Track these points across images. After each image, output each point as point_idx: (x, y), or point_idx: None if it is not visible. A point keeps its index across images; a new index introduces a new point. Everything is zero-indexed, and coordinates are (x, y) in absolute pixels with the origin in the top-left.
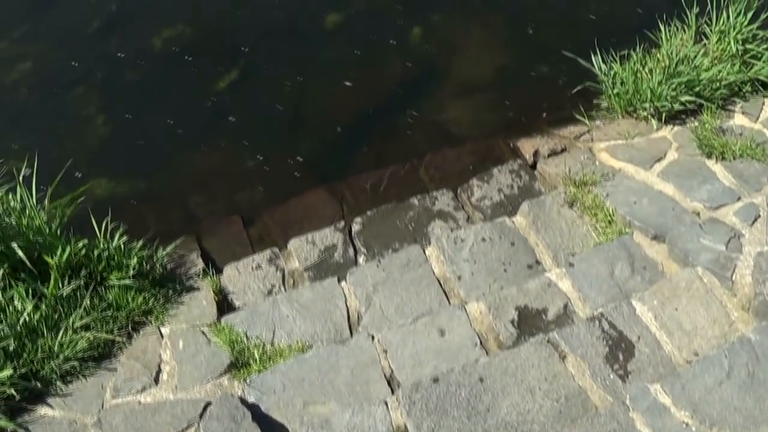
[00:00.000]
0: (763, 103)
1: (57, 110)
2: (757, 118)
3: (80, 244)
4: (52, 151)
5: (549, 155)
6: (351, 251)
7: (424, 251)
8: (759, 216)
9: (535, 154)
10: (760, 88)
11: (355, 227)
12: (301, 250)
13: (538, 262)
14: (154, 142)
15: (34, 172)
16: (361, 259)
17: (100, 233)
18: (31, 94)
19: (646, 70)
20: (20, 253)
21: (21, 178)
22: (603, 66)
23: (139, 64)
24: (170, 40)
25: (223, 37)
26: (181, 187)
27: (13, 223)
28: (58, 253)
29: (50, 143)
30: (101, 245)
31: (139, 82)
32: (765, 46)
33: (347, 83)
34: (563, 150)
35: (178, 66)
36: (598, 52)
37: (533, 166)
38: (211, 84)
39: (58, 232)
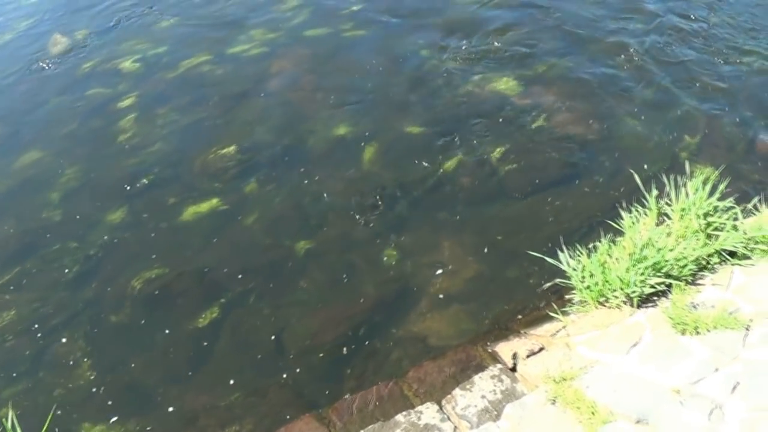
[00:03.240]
0: (732, 272)
1: (42, 357)
2: (728, 287)
3: None
4: (39, 398)
5: (528, 356)
6: None
7: None
8: (738, 383)
9: (514, 356)
10: (728, 257)
11: None
12: None
13: None
14: (140, 383)
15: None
16: None
17: None
18: (17, 342)
19: (613, 259)
20: None
21: (10, 425)
22: (570, 261)
23: (121, 307)
24: (149, 281)
25: (200, 275)
26: (170, 425)
27: None
28: None
29: (37, 390)
30: None
31: (122, 324)
32: (726, 217)
33: (325, 309)
34: (541, 349)
35: (158, 306)
36: (565, 249)
37: (513, 369)
38: (193, 321)
39: None
